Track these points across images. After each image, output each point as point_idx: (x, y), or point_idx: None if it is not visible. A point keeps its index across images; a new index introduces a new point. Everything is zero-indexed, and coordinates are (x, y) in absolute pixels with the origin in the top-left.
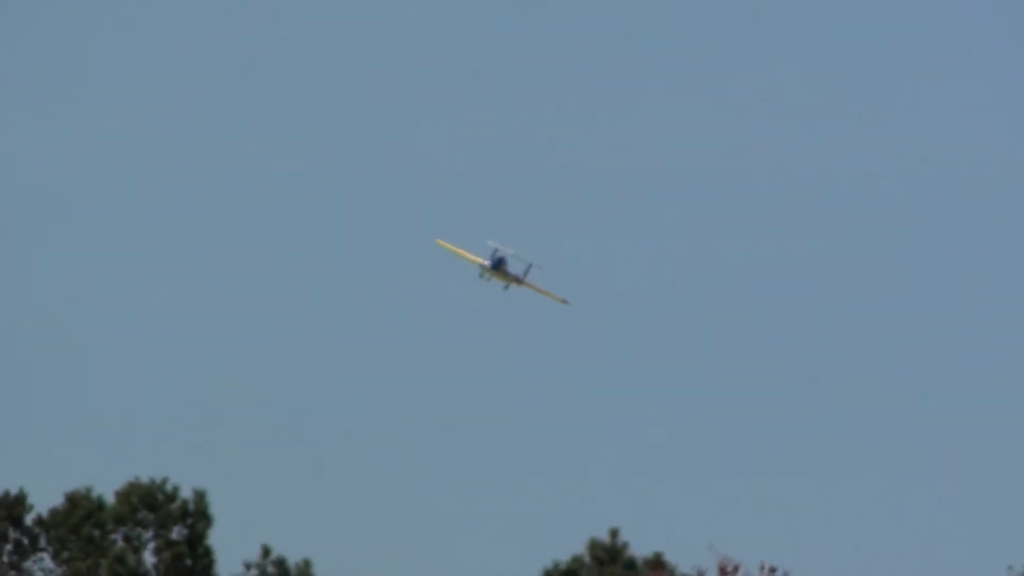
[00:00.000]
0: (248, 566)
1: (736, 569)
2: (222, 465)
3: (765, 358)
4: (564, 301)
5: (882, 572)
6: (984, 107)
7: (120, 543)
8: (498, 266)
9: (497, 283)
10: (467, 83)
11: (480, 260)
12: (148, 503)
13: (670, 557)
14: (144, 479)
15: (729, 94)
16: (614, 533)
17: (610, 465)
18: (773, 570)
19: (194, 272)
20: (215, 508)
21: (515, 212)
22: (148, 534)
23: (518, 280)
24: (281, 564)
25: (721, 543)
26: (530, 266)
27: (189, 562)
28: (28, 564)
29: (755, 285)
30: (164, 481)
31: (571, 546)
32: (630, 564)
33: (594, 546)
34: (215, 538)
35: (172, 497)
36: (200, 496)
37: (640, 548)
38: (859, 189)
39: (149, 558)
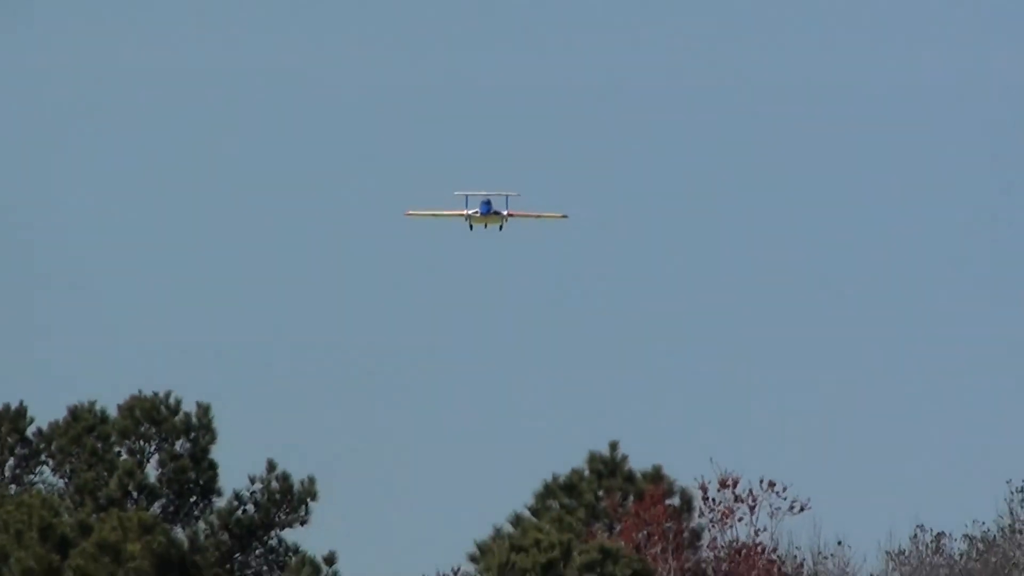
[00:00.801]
0: (252, 480)
1: (736, 483)
2: (227, 379)
3: (767, 269)
4: (564, 216)
5: (882, 487)
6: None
7: (124, 456)
8: (490, 209)
9: (491, 227)
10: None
11: (462, 212)
12: (151, 417)
13: (669, 471)
14: (147, 393)
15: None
16: (613, 446)
17: (610, 378)
18: (772, 484)
19: (204, 184)
20: (219, 422)
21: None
22: (151, 448)
23: (511, 215)
24: (285, 479)
25: (721, 457)
26: (507, 198)
27: (192, 475)
28: (31, 477)
29: (754, 194)
30: (168, 395)
31: (570, 460)
32: (629, 477)
33: (593, 459)
34: (219, 452)
35: (175, 411)
36: (204, 410)
37: (639, 462)
38: (852, 106)
39: (152, 472)
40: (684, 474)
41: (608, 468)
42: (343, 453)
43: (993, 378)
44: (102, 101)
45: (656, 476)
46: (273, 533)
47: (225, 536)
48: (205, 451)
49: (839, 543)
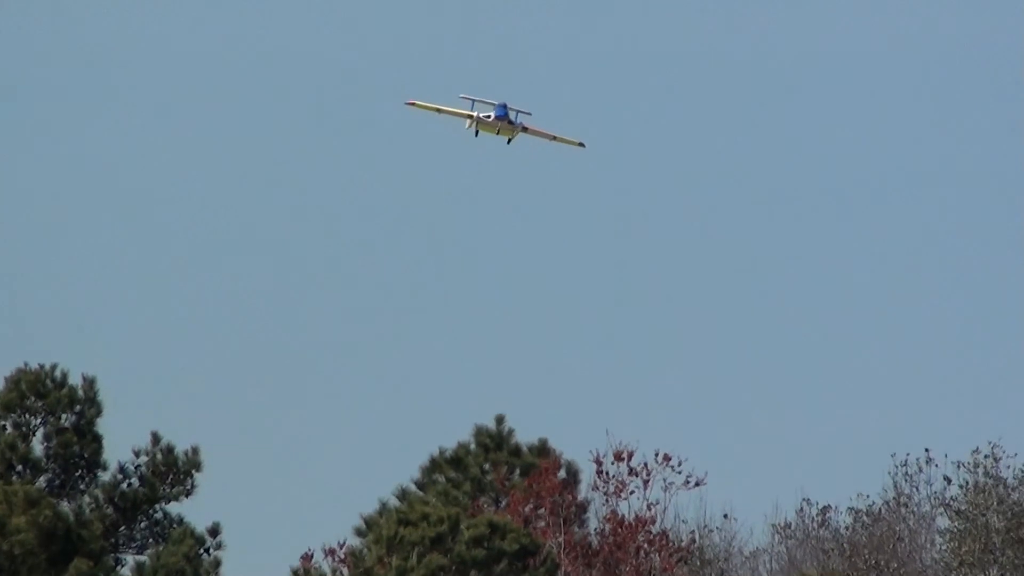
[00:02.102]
0: (137, 453)
1: (631, 456)
2: (111, 352)
3: (661, 245)
4: (581, 144)
5: (768, 461)
6: None
7: (9, 430)
8: (506, 114)
9: (498, 138)
10: None
11: (471, 114)
12: (37, 390)
13: (555, 444)
14: (33, 366)
15: None
16: (500, 420)
17: (498, 351)
18: (667, 458)
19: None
20: (104, 395)
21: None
22: (37, 421)
23: (526, 129)
24: (170, 451)
25: (614, 430)
26: (517, 114)
27: (78, 449)
28: None
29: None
30: (53, 368)
31: (457, 433)
32: (516, 451)
33: (480, 433)
34: (104, 425)
35: (61, 384)
36: (90, 383)
37: (526, 435)
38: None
39: (38, 445)
40: (570, 447)
41: (495, 442)
42: (229, 425)
43: (878, 353)
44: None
45: (542, 450)
46: (158, 506)
47: (110, 510)
48: (91, 424)
49: (725, 516)
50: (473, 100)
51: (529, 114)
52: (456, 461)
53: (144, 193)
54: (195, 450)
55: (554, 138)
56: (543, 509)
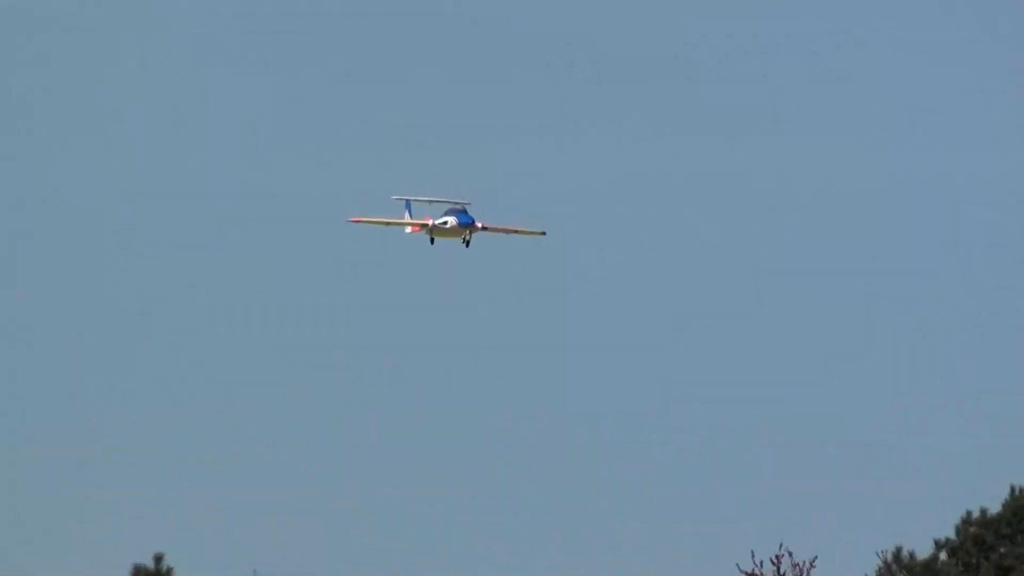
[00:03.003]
0: None
1: None
2: None
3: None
4: (542, 233)
5: None
6: None
7: None
8: (472, 220)
9: (452, 241)
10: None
11: (424, 221)
12: None
13: None
14: None
15: None
16: (158, 558)
17: (154, 488)
18: None
19: None
20: None
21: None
22: None
23: (485, 228)
24: None
25: (268, 568)
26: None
27: None
28: None
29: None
30: None
31: (116, 572)
32: None
33: (138, 572)
34: None
35: None
36: None
37: (185, 573)
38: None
39: None
40: None
41: None
42: None
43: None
44: None
45: None
46: None
47: None
48: None
49: None
50: (408, 200)
51: (469, 203)
52: None
53: None
54: None
55: (515, 231)
56: None
